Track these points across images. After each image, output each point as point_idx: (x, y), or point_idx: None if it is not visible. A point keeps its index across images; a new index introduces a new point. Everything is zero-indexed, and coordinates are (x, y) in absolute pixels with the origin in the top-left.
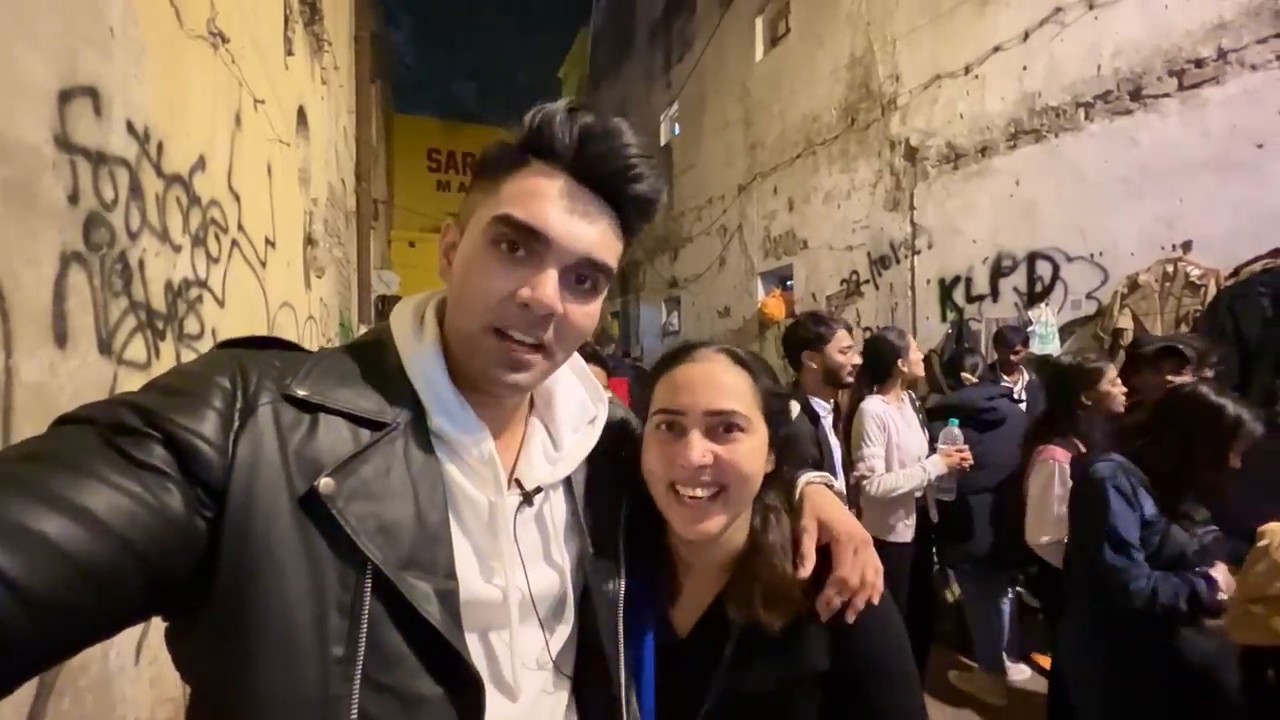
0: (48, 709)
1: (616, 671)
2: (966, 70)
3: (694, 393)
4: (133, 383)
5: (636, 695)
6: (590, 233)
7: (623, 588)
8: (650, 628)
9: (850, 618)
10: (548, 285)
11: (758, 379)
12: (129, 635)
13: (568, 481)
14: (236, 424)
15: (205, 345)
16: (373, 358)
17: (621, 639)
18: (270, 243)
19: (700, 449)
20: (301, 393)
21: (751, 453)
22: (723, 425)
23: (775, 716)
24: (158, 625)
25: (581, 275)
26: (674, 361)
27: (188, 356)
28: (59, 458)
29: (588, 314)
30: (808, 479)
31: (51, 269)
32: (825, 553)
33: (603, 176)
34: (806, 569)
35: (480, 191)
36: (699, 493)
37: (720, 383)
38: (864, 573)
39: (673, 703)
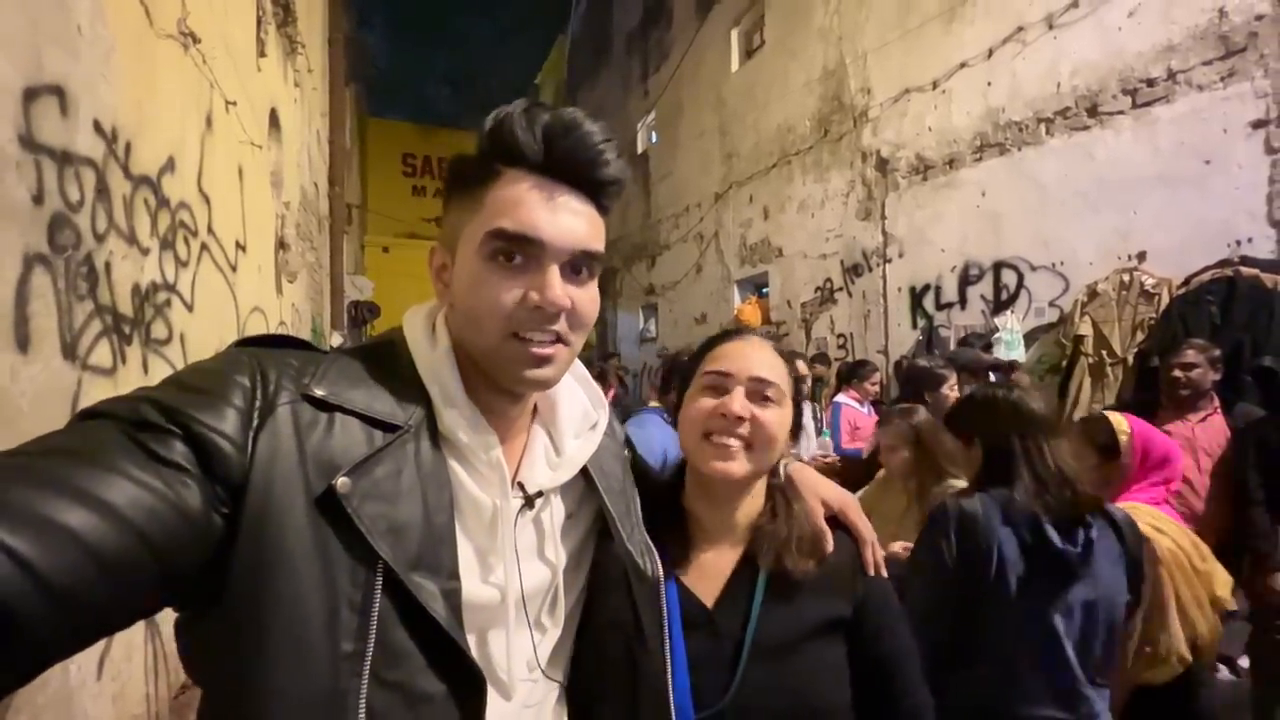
0: None
1: (661, 650)
2: (934, 85)
3: (743, 360)
4: (98, 389)
5: (671, 672)
6: (578, 226)
7: (660, 568)
8: (676, 606)
9: (882, 570)
10: (554, 285)
11: (790, 366)
12: (90, 651)
13: (589, 479)
14: (256, 422)
15: (173, 350)
16: (387, 360)
17: (665, 616)
18: (241, 246)
19: (742, 403)
20: (319, 393)
21: (780, 422)
22: (762, 393)
23: (805, 663)
24: (120, 642)
25: (577, 266)
26: (725, 338)
27: (155, 362)
28: (82, 452)
29: (591, 298)
30: (784, 460)
31: (14, 271)
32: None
33: (574, 169)
34: (829, 545)
35: (460, 210)
36: (732, 442)
37: (764, 358)
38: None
39: (705, 673)
